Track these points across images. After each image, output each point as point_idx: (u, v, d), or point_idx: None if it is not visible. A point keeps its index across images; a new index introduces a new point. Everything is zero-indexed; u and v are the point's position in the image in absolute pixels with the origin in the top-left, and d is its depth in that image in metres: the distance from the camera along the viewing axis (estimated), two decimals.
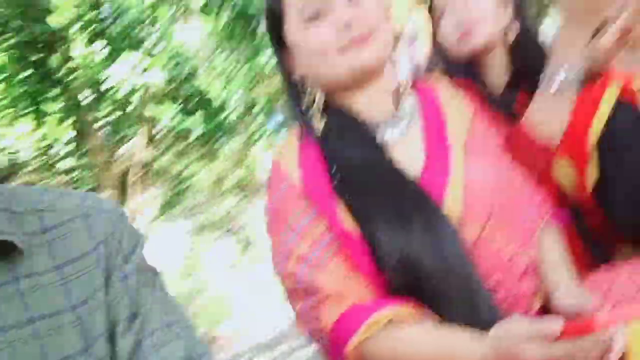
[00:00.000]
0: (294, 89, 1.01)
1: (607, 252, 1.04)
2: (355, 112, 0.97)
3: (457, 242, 0.86)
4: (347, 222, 0.89)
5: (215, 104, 7.54)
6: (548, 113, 0.97)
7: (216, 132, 7.70)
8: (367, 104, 0.97)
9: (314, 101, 0.99)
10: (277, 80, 6.66)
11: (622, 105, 1.01)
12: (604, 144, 1.00)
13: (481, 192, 0.91)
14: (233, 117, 7.98)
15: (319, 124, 0.98)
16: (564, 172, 1.02)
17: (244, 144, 9.38)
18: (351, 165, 0.94)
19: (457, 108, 1.02)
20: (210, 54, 8.09)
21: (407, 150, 0.96)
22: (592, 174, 1.01)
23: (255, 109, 8.76)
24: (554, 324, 0.70)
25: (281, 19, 0.97)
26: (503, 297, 0.88)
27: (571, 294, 0.85)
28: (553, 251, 0.96)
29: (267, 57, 7.65)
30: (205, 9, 7.50)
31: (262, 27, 6.82)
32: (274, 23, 0.99)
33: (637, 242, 0.98)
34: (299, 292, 0.90)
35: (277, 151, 1.04)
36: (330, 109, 0.99)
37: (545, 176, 1.01)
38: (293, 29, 0.96)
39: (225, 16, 7.48)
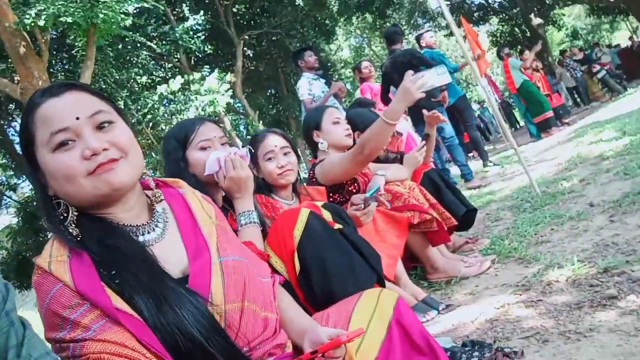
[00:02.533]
0: (49, 203, 1.11)
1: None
2: (114, 219, 1.13)
3: (207, 316, 1.05)
4: (121, 305, 1.00)
5: None
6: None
7: None
8: (124, 212, 1.14)
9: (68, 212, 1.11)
10: None
11: (312, 214, 1.66)
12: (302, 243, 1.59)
13: (235, 273, 1.16)
14: None
15: (76, 231, 1.08)
16: (278, 265, 1.63)
17: None
18: (118, 261, 1.05)
19: (204, 208, 1.28)
20: None
21: (169, 248, 1.16)
22: (297, 266, 1.59)
23: None
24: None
25: (34, 144, 1.08)
26: (264, 351, 1.16)
27: (319, 330, 1.15)
28: (291, 307, 1.35)
29: None
30: None
31: None
32: (27, 147, 1.10)
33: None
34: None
35: (43, 257, 1.07)
36: (90, 216, 1.11)
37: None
38: (43, 154, 1.07)
39: None
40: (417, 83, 2.22)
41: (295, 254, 1.58)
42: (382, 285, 1.66)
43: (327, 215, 1.71)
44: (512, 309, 1.93)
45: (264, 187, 2.20)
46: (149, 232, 1.16)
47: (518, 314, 1.86)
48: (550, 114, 9.15)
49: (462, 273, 2.54)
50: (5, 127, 15.62)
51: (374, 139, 2.29)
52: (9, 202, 17.94)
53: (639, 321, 1.51)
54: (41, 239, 14.74)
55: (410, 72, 2.26)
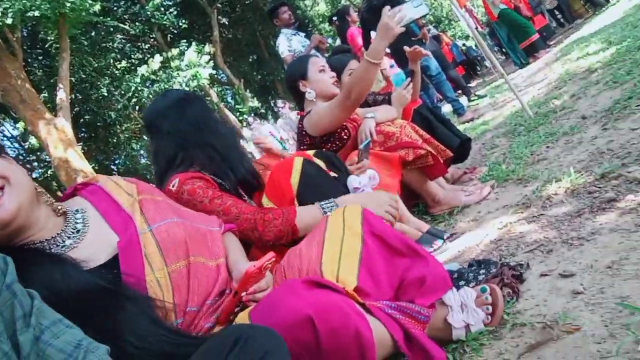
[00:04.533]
0: None
1: None
2: (34, 240, 1.16)
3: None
4: None
5: None
6: None
7: None
8: (39, 232, 1.17)
9: None
10: None
11: (306, 161, 1.74)
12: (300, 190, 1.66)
13: (171, 235, 1.23)
14: None
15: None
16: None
17: None
18: (50, 281, 1.06)
19: (125, 190, 1.35)
20: None
21: (96, 239, 1.21)
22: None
23: None
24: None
25: None
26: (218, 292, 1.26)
27: (241, 268, 1.24)
28: (233, 252, 1.43)
29: None
30: None
31: None
32: None
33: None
34: None
35: None
36: (11, 248, 1.14)
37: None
38: None
39: None
40: (395, 18, 2.19)
41: (295, 202, 1.60)
42: None
43: (320, 163, 1.72)
44: (514, 227, 1.95)
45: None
46: (69, 237, 1.20)
47: (521, 231, 1.88)
48: (535, 37, 9.01)
49: (463, 202, 2.56)
50: None
51: (360, 81, 2.26)
52: None
53: (639, 218, 1.53)
54: None
55: (387, 7, 2.22)
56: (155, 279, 1.16)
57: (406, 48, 3.18)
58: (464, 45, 21.57)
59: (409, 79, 3.04)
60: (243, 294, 1.17)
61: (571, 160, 2.34)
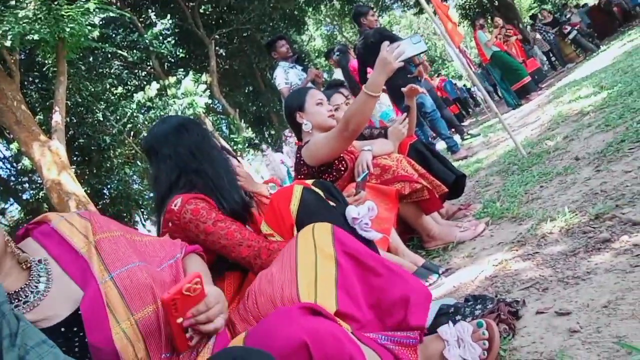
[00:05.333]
0: None
1: None
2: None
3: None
4: None
5: None
6: None
7: None
8: (3, 281, 1.10)
9: None
10: None
11: (305, 189, 1.72)
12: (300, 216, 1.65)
13: (134, 281, 1.15)
14: None
15: None
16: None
17: None
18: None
19: (78, 230, 1.25)
20: None
21: (60, 290, 1.14)
22: None
23: None
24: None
25: None
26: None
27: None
28: (196, 265, 1.38)
29: None
30: None
31: None
32: None
33: None
34: None
35: None
36: None
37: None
38: None
39: None
40: (393, 53, 2.23)
41: (294, 228, 1.61)
42: None
43: (319, 192, 1.73)
44: (510, 264, 1.96)
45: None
46: (31, 292, 1.12)
47: (516, 268, 1.89)
48: (527, 79, 9.23)
49: (458, 238, 2.57)
50: None
51: (358, 113, 2.29)
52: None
53: (634, 259, 1.54)
54: None
55: (386, 42, 2.27)
56: (122, 331, 1.08)
57: (403, 89, 3.23)
58: (456, 84, 21.95)
59: (405, 114, 3.09)
60: (179, 320, 1.08)
61: (565, 200, 2.37)
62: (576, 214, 2.10)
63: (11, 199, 16.66)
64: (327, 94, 3.14)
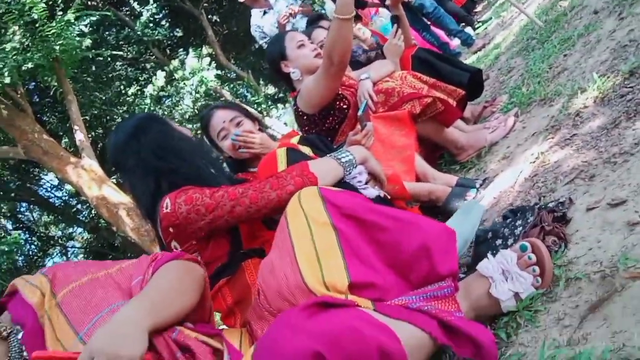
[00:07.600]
0: None
1: None
2: None
3: None
4: None
5: None
6: None
7: None
8: None
9: None
10: None
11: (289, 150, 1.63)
12: None
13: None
14: None
15: None
16: None
17: None
18: None
19: (42, 293, 1.16)
20: None
21: None
22: None
23: None
24: None
25: None
26: None
27: None
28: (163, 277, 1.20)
29: None
30: None
31: None
32: None
33: None
34: None
35: None
36: None
37: None
38: None
39: None
40: None
41: None
42: None
43: (306, 150, 1.56)
44: (548, 156, 1.73)
45: (235, 165, 2.08)
46: None
47: (556, 159, 1.66)
48: None
49: (489, 140, 2.34)
50: (36, 188, 15.88)
51: (337, 43, 2.05)
52: (75, 250, 18.53)
53: None
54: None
55: None
56: None
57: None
58: None
59: (395, 25, 2.79)
60: None
61: (593, 64, 2.09)
62: (608, 77, 1.83)
63: (74, 225, 17.25)
64: (307, 32, 2.88)
